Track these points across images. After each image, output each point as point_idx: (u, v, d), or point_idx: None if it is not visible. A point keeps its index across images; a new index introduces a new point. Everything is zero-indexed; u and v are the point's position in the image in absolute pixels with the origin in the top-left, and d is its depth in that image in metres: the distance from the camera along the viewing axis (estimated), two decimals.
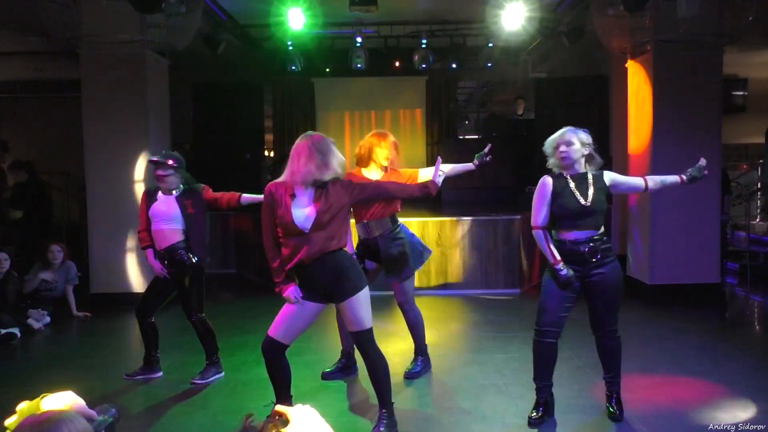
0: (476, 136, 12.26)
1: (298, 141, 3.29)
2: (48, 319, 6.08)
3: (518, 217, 7.28)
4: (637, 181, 3.72)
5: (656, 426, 3.57)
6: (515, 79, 11.30)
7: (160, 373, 4.54)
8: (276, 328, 3.33)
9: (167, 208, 4.32)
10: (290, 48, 9.26)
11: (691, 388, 4.16)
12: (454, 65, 10.33)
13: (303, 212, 3.21)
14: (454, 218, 7.41)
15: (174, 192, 4.36)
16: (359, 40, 8.94)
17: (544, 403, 3.70)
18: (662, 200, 6.68)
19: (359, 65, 9.30)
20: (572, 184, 3.51)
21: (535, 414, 3.65)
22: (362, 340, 3.37)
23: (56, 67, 10.14)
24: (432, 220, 7.39)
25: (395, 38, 9.29)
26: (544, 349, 3.60)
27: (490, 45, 9.20)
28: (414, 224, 7.28)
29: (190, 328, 4.41)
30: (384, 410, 3.46)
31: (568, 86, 9.50)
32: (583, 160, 3.58)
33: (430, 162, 11.04)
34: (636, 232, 7.19)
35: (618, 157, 8.89)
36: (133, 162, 6.72)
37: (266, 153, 11.64)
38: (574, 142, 3.55)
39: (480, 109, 13.34)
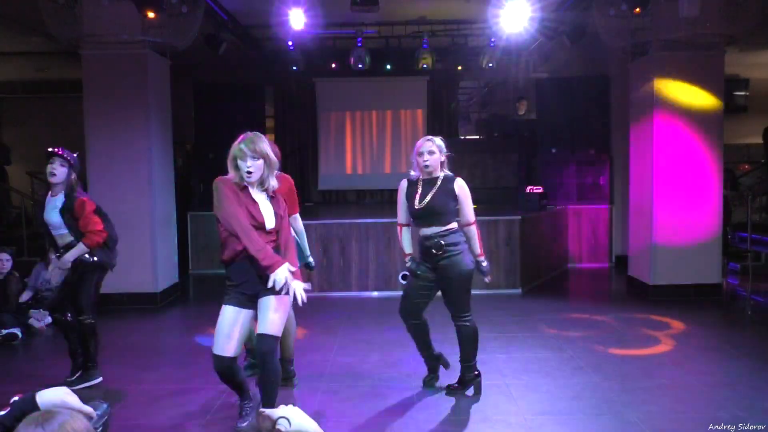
0: (477, 137, 12.25)
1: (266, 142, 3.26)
2: (49, 318, 6.08)
3: (519, 217, 7.28)
4: (468, 215, 3.94)
5: (657, 426, 3.57)
6: (516, 79, 11.29)
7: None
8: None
9: (51, 217, 4.20)
10: (291, 48, 9.26)
11: (691, 387, 4.15)
12: (456, 66, 10.32)
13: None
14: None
15: (58, 196, 4.20)
16: (360, 40, 8.94)
17: (432, 368, 4.25)
18: (664, 200, 6.68)
19: (360, 65, 9.30)
20: (420, 189, 3.91)
21: (427, 378, 4.25)
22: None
23: (58, 67, 10.17)
24: None
25: (396, 38, 9.29)
26: (411, 330, 4.10)
27: (492, 45, 9.20)
28: None
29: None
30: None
31: (570, 86, 9.49)
32: (439, 166, 3.93)
33: None
34: (637, 232, 7.19)
35: (619, 157, 8.89)
36: (134, 162, 6.72)
37: None
38: (435, 151, 3.90)
39: (481, 109, 13.33)
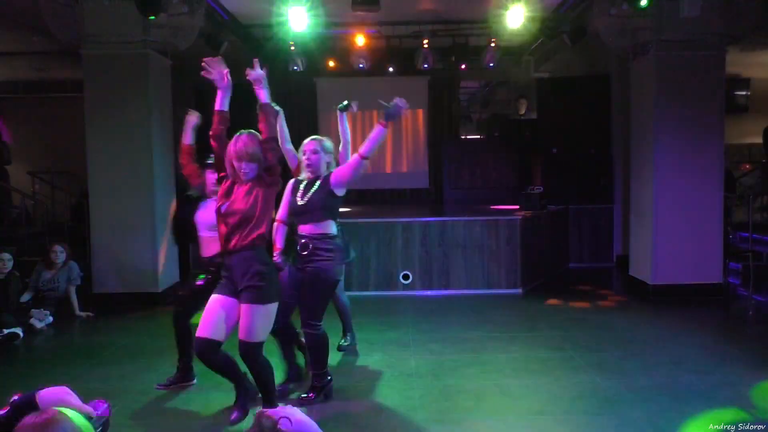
0: (478, 136, 12.25)
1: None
2: (50, 318, 6.09)
3: (519, 216, 7.28)
4: (352, 158, 3.92)
5: (657, 425, 3.57)
6: (517, 78, 11.28)
7: (195, 380, 4.35)
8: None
9: (211, 215, 4.08)
10: (292, 48, 9.26)
11: (691, 387, 4.15)
12: (460, 65, 10.32)
13: None
14: (456, 218, 7.42)
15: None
16: (361, 39, 8.94)
17: (293, 377, 4.20)
18: (665, 200, 6.68)
19: (361, 65, 9.30)
20: (302, 187, 3.93)
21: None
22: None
23: (59, 67, 10.16)
24: (434, 220, 7.39)
25: (397, 38, 9.29)
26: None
27: (493, 45, 9.19)
28: (416, 225, 7.29)
29: (192, 329, 4.37)
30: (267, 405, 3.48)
31: (570, 86, 9.49)
32: (325, 166, 3.96)
33: (432, 162, 11.04)
34: (638, 231, 7.18)
35: (619, 156, 8.89)
36: (135, 162, 6.72)
37: None
38: (318, 150, 3.95)
39: (482, 108, 13.32)
